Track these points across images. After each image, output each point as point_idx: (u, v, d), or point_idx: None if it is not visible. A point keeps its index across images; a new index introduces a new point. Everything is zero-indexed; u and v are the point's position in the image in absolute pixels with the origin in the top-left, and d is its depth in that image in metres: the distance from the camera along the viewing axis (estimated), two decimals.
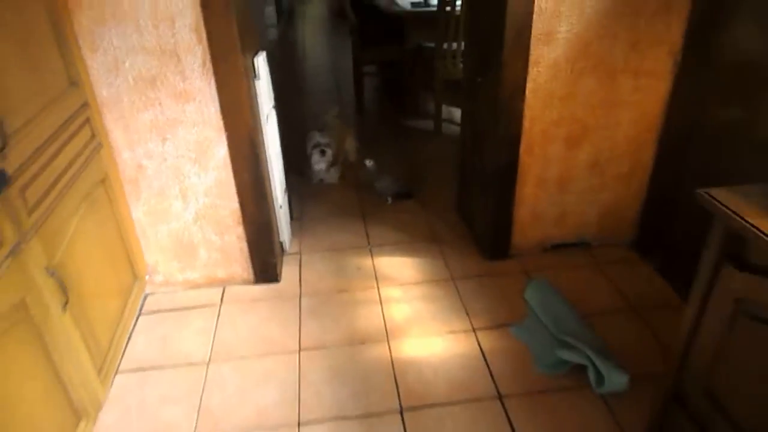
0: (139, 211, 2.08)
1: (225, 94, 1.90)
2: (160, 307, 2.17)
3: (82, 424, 1.48)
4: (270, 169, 2.19)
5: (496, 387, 1.76)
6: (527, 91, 2.02)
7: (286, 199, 2.51)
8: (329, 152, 2.91)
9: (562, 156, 2.18)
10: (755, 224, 1.00)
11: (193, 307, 2.16)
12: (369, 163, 2.86)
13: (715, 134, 1.90)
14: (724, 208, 1.07)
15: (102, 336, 1.66)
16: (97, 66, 1.80)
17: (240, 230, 2.16)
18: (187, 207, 2.09)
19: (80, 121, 1.67)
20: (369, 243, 2.53)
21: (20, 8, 1.38)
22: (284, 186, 2.47)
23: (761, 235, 0.98)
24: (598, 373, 1.73)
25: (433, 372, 1.82)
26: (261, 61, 2.09)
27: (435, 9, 3.34)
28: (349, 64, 4.14)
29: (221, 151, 2.00)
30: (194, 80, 1.87)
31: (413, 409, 1.69)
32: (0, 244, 1.17)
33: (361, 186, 3.03)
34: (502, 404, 1.70)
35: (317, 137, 2.94)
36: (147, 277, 2.19)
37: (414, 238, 2.56)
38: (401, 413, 1.68)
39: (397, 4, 3.77)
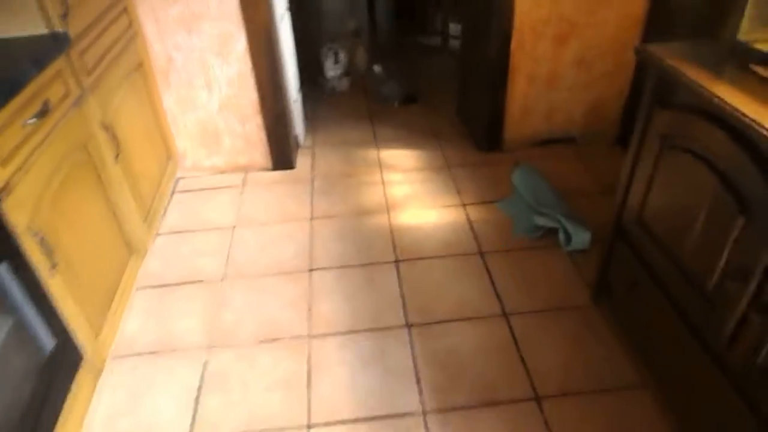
0: (170, 100, 2.35)
1: None
2: (191, 187, 2.48)
3: (133, 259, 1.82)
4: (284, 65, 2.43)
5: (478, 246, 2.06)
6: None
7: (300, 96, 2.75)
8: (342, 57, 3.12)
9: (550, 53, 2.38)
10: (676, 65, 1.23)
11: (220, 188, 2.47)
12: (377, 68, 3.07)
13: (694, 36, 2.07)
14: (654, 57, 1.30)
15: (145, 193, 1.98)
16: None
17: (259, 119, 2.43)
18: (212, 97, 2.36)
19: (119, 9, 1.92)
20: (375, 138, 2.79)
21: None
22: (298, 84, 2.71)
23: (680, 73, 1.21)
24: (566, 234, 2.01)
25: (424, 235, 2.12)
26: None
27: None
28: None
29: (241, 44, 2.24)
30: None
31: (406, 260, 2.00)
32: (68, 94, 1.45)
33: (370, 93, 3.26)
34: (483, 258, 2.00)
35: (330, 44, 3.15)
36: (178, 165, 2.49)
37: (416, 135, 2.81)
38: (396, 263, 2.00)
39: None
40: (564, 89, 2.48)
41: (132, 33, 2.04)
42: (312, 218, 2.25)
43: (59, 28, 1.44)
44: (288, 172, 2.56)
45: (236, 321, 1.80)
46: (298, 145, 2.73)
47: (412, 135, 2.82)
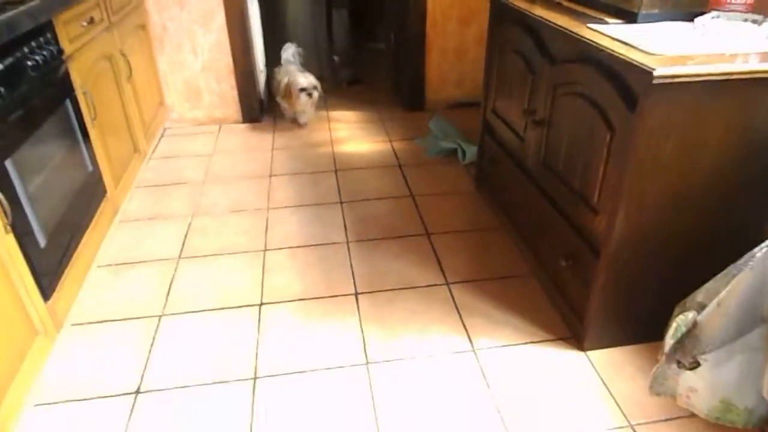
0: (163, 63, 3.02)
1: None
2: (177, 133, 3.12)
3: (137, 156, 2.44)
4: (253, 38, 3.14)
5: (398, 162, 2.74)
6: None
7: (265, 69, 3.45)
8: (316, 94, 3.55)
9: (456, 32, 3.16)
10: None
11: (200, 133, 3.11)
12: (336, 57, 3.81)
13: None
14: None
15: (145, 117, 2.61)
16: None
17: (232, 80, 3.11)
18: (196, 60, 3.04)
19: None
20: (326, 105, 3.50)
21: None
22: (264, 59, 3.41)
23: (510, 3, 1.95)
24: (462, 151, 2.71)
25: (358, 157, 2.80)
26: None
27: None
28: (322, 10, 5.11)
29: (220, 17, 2.94)
30: None
31: (343, 170, 2.67)
32: (102, 19, 2.12)
33: (327, 77, 3.99)
34: (401, 169, 2.68)
35: (302, 80, 3.59)
36: (166, 116, 3.13)
37: (358, 103, 3.53)
38: (336, 171, 2.66)
39: None
40: (470, 61, 3.25)
41: (139, 1, 2.73)
42: (273, 149, 2.91)
43: None
44: (255, 124, 3.23)
45: (213, 203, 2.41)
46: (263, 108, 3.40)
47: (355, 103, 3.53)
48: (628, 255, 1.44)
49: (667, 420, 1.40)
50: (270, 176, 2.63)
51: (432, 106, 3.35)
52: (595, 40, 1.38)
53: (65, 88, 1.73)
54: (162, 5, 2.87)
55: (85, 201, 1.82)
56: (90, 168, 1.88)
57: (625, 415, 1.41)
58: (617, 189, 1.35)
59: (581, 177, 1.54)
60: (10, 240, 1.33)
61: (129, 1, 2.53)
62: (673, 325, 1.24)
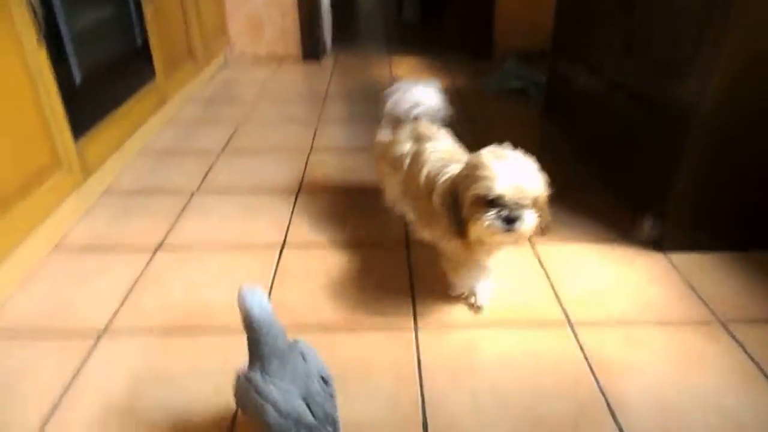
0: None
1: None
2: (237, 64, 3.09)
3: (191, 61, 2.39)
4: None
5: (460, 97, 2.56)
6: None
7: (330, 13, 3.38)
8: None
9: None
10: None
11: (259, 68, 3.07)
12: None
13: None
14: None
15: (205, 29, 2.57)
16: None
17: (295, 14, 3.05)
18: None
19: None
20: (388, 54, 3.38)
21: None
22: (329, 3, 3.34)
23: None
24: (537, 86, 2.49)
25: None
26: None
27: None
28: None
29: None
30: None
31: None
32: None
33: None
34: (461, 99, 2.50)
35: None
36: (228, 49, 3.11)
37: (421, 49, 3.39)
38: None
39: None
40: (545, 3, 3.03)
41: None
42: (329, 83, 2.80)
43: None
44: (315, 64, 3.15)
45: (263, 115, 2.33)
46: (325, 50, 3.32)
47: (418, 49, 3.39)
48: (726, 121, 1.20)
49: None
50: (324, 98, 2.53)
51: (501, 55, 3.15)
52: None
53: None
54: None
55: (129, 71, 1.77)
56: (138, 42, 1.83)
57: (713, 312, 1.16)
58: (716, 29, 1.12)
59: (672, 41, 1.32)
60: (42, 56, 1.26)
61: None
62: None
